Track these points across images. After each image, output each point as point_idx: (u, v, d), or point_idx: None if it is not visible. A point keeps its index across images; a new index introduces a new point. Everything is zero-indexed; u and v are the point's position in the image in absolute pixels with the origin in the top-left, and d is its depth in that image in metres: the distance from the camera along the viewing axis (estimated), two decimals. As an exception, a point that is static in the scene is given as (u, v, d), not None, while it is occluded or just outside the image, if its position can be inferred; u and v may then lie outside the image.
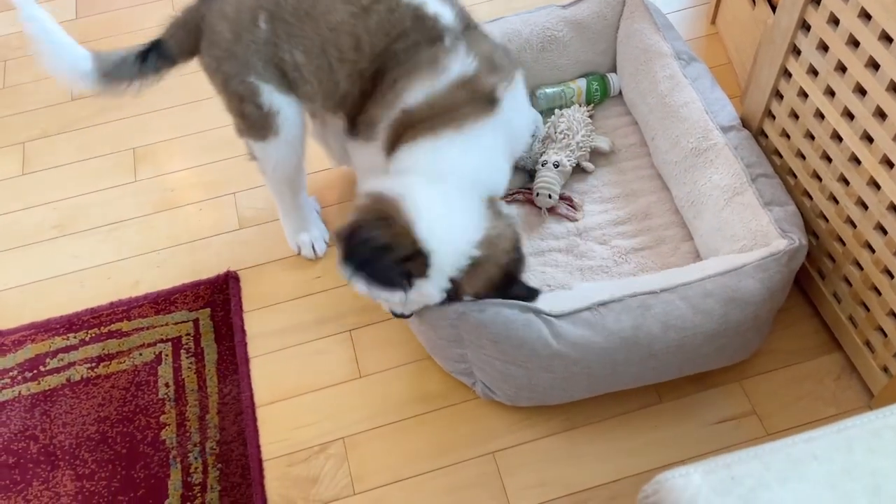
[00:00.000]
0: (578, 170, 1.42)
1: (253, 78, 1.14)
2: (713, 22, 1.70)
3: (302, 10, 1.08)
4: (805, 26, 1.11)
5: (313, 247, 1.41)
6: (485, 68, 1.08)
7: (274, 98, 1.16)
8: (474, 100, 1.06)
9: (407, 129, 1.07)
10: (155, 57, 1.22)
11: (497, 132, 1.09)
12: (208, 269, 1.42)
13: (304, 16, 1.08)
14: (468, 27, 1.12)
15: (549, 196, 1.35)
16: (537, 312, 1.07)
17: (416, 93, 1.06)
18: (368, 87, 1.10)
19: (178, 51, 1.20)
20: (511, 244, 1.06)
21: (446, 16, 1.09)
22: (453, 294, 1.04)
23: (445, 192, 1.03)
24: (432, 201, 1.02)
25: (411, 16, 1.07)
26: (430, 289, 1.01)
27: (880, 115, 1.01)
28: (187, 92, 1.69)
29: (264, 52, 1.12)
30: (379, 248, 0.99)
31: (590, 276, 1.30)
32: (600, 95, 1.51)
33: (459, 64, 1.06)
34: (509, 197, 1.40)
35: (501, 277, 1.05)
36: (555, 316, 1.07)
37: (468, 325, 1.07)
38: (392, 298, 1.02)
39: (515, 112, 1.12)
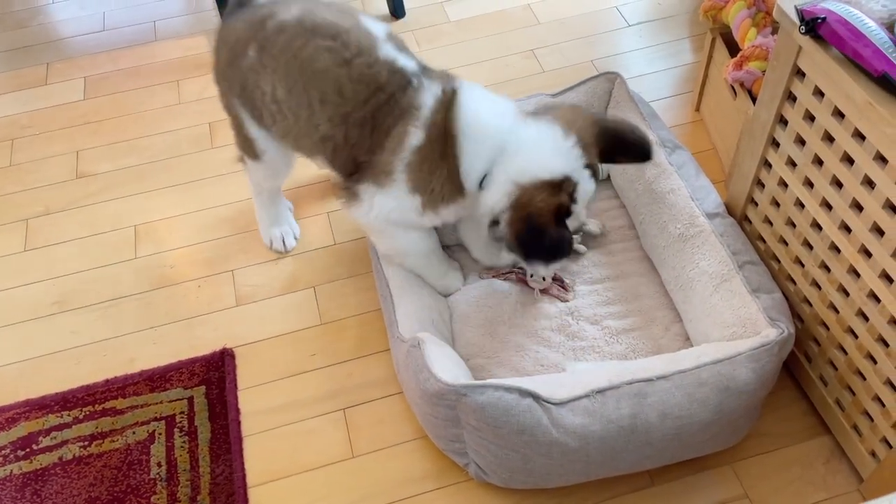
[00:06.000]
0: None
1: (235, 101, 1.31)
2: (697, 109, 1.77)
3: (289, 51, 1.21)
4: (783, 121, 1.17)
5: (283, 241, 1.56)
6: (449, 79, 1.25)
7: (251, 128, 1.32)
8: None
9: (436, 160, 1.21)
10: None
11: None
12: (205, 345, 1.43)
13: (291, 57, 1.21)
14: (425, 68, 1.27)
15: (543, 278, 1.39)
16: (537, 398, 1.08)
17: (415, 135, 1.20)
18: (355, 135, 1.22)
19: None
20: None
21: (411, 65, 1.24)
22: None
23: (539, 146, 1.21)
24: (548, 159, 1.20)
25: (387, 69, 1.21)
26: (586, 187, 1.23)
27: (857, 206, 1.05)
28: (188, 171, 1.74)
29: (243, 77, 1.26)
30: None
31: (582, 356, 1.32)
32: (590, 179, 1.56)
33: (430, 94, 1.21)
34: (503, 275, 1.43)
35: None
36: (554, 403, 1.08)
37: (467, 407, 1.09)
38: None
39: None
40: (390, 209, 1.26)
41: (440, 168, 1.21)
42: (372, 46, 1.21)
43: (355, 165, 1.27)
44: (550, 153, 1.21)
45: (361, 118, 1.21)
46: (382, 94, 1.20)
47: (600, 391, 1.09)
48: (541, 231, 1.20)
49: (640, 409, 1.08)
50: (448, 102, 1.21)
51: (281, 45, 1.21)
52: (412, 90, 1.21)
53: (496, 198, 1.22)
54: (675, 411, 1.09)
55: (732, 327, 1.19)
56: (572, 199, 1.22)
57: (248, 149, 1.38)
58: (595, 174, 1.25)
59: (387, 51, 1.22)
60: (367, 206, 1.27)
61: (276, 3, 1.25)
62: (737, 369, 1.10)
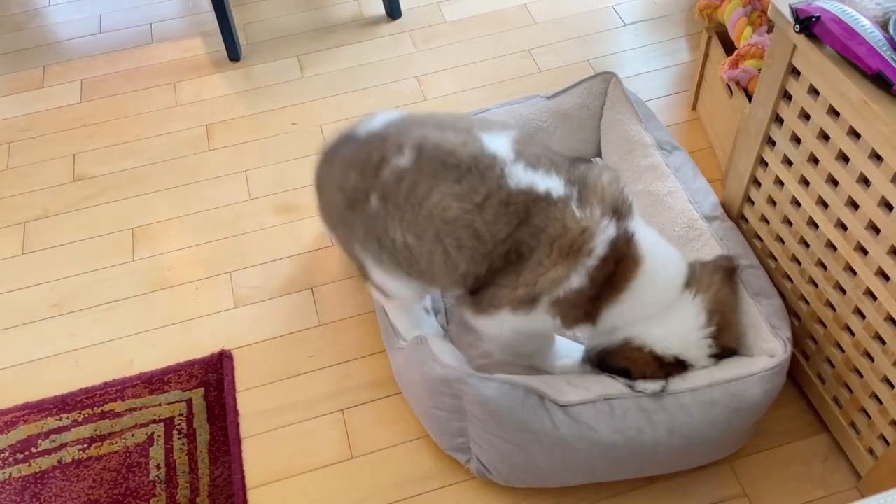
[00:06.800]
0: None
1: (357, 247, 1.17)
2: (694, 108, 1.77)
3: (414, 199, 1.08)
4: (778, 119, 1.17)
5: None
6: (623, 213, 1.08)
7: (377, 274, 1.18)
8: (628, 244, 1.08)
9: (590, 302, 1.09)
10: None
11: (646, 227, 1.13)
12: (203, 348, 1.43)
13: (417, 205, 1.08)
14: (576, 174, 1.10)
15: None
16: (542, 397, 1.08)
17: (575, 280, 1.06)
18: (500, 265, 1.09)
19: None
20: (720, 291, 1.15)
21: (554, 185, 1.06)
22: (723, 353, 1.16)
23: (673, 324, 1.12)
24: (673, 340, 1.12)
25: (525, 200, 1.05)
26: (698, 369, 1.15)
27: (852, 204, 1.05)
28: (185, 173, 1.74)
29: (368, 225, 1.13)
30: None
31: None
32: (587, 179, 1.56)
33: (604, 239, 1.05)
34: None
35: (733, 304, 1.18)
36: (560, 405, 1.08)
37: (472, 398, 1.09)
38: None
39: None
40: (521, 325, 1.13)
41: (591, 306, 1.10)
42: (502, 178, 1.06)
43: (486, 285, 1.13)
44: (678, 337, 1.12)
45: (505, 252, 1.07)
46: (526, 228, 1.06)
47: (608, 399, 1.09)
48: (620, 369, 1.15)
49: (648, 424, 1.08)
50: (624, 253, 1.07)
51: (404, 194, 1.09)
52: (573, 223, 1.04)
53: (600, 340, 1.16)
54: (683, 429, 1.08)
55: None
56: (669, 374, 1.13)
57: (382, 290, 1.22)
58: (724, 358, 1.17)
59: (519, 177, 1.06)
60: (498, 323, 1.13)
61: (383, 137, 1.12)
62: (749, 389, 1.09)
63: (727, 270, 1.19)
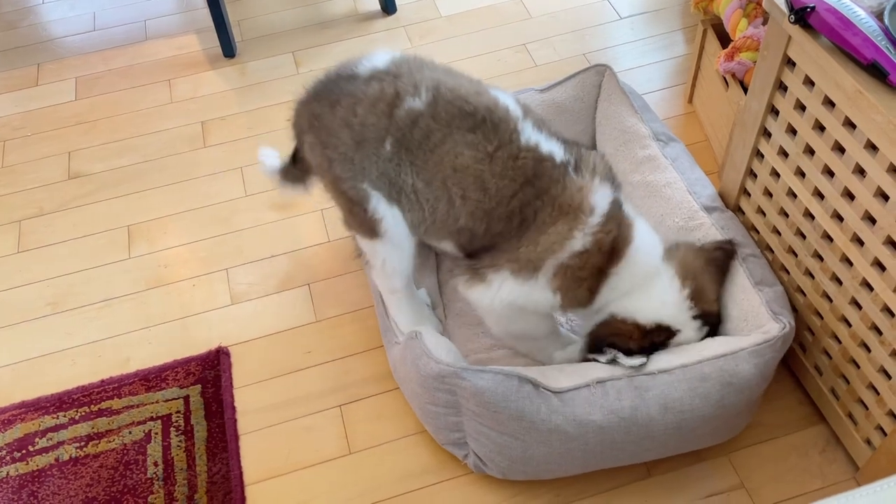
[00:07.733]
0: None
1: (365, 185, 1.15)
2: (690, 101, 1.77)
3: (428, 145, 1.10)
4: (774, 111, 1.17)
5: None
6: (616, 185, 1.14)
7: (380, 206, 1.16)
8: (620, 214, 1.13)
9: (592, 272, 1.12)
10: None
11: (636, 214, 1.18)
12: (200, 345, 1.43)
13: (430, 151, 1.10)
14: (573, 146, 1.14)
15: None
16: (536, 385, 1.09)
17: (579, 241, 1.09)
18: (499, 228, 1.11)
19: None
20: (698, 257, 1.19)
21: (556, 150, 1.11)
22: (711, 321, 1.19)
23: (651, 292, 1.15)
24: (651, 307, 1.15)
25: (532, 159, 1.09)
26: (688, 335, 1.17)
27: (848, 195, 1.05)
28: (181, 170, 1.74)
29: (382, 167, 1.13)
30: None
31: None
32: (583, 172, 1.55)
33: (602, 198, 1.10)
34: None
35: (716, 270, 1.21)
36: (554, 391, 1.09)
37: (466, 391, 1.09)
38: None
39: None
40: (518, 296, 1.14)
41: (592, 279, 1.12)
42: (513, 132, 1.09)
43: (485, 248, 1.15)
44: (657, 302, 1.15)
45: (508, 213, 1.10)
46: (531, 189, 1.09)
47: (601, 382, 1.10)
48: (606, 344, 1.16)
49: (642, 402, 1.09)
50: (620, 220, 1.12)
51: (417, 139, 1.10)
52: (572, 184, 1.09)
53: (590, 324, 1.19)
54: (676, 405, 1.09)
55: (735, 321, 1.19)
56: (660, 345, 1.16)
57: (370, 229, 1.19)
58: (710, 322, 1.19)
59: (528, 134, 1.10)
60: (495, 290, 1.14)
61: (395, 74, 1.12)
62: (739, 364, 1.10)
63: (700, 248, 1.22)
